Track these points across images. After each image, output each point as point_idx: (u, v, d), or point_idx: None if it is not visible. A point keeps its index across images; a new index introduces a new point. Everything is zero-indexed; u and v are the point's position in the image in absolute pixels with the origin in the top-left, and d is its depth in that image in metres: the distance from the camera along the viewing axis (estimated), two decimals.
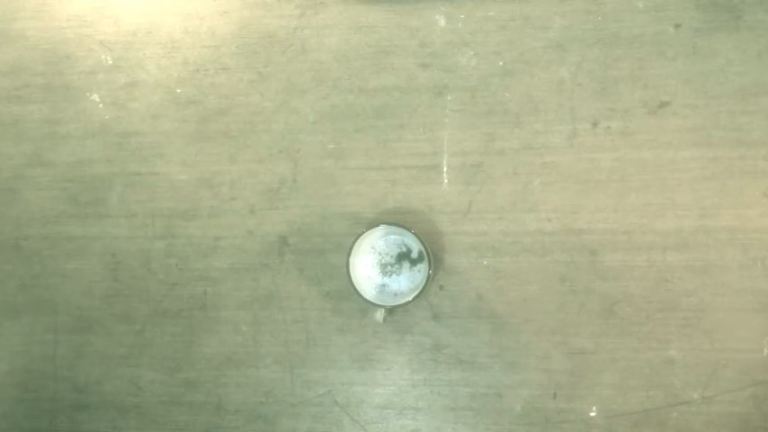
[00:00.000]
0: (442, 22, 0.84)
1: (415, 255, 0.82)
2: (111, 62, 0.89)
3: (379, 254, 0.82)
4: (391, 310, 0.81)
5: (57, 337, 0.89)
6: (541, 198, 0.81)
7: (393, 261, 0.82)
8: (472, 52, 0.83)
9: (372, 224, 0.78)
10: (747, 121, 0.79)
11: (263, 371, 0.85)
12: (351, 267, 0.78)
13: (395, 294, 0.81)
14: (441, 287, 0.83)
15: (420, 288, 0.77)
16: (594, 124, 0.81)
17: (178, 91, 0.88)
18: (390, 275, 0.82)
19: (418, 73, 0.84)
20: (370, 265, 0.82)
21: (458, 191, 0.83)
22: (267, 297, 0.85)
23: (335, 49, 0.85)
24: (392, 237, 0.82)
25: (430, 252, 0.77)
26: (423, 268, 0.81)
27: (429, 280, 0.77)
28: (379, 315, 0.79)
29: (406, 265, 0.82)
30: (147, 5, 0.89)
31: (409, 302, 0.77)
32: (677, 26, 0.81)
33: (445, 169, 0.83)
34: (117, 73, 0.89)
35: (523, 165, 0.82)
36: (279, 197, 0.85)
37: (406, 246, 0.82)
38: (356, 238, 0.78)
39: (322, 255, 0.84)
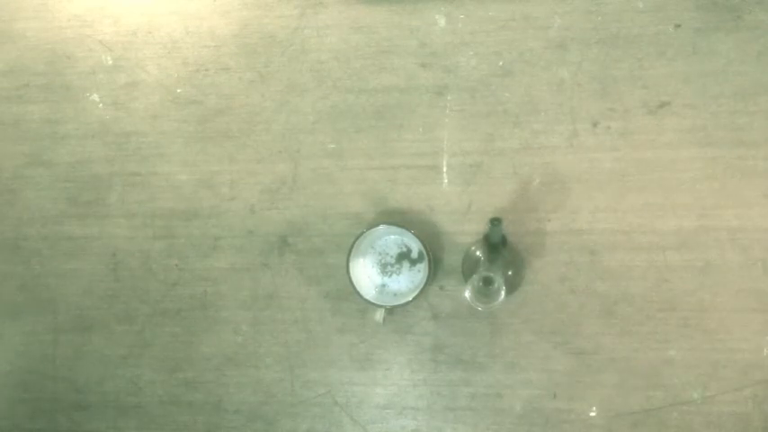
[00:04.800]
0: (442, 22, 0.84)
1: (415, 255, 0.82)
2: (111, 62, 0.89)
3: (379, 254, 0.82)
4: (391, 310, 0.81)
5: (57, 337, 0.89)
6: (541, 198, 0.81)
7: (393, 261, 0.82)
8: (472, 52, 0.83)
9: (372, 224, 0.78)
10: (747, 121, 0.79)
11: (263, 371, 0.85)
12: (351, 267, 0.78)
13: (395, 294, 0.81)
14: (441, 287, 0.83)
15: (420, 288, 0.77)
16: (594, 124, 0.81)
17: (178, 91, 0.88)
18: (390, 275, 0.82)
19: (418, 73, 0.84)
20: (370, 265, 0.82)
21: (458, 191, 0.83)
22: (267, 297, 0.85)
23: (335, 49, 0.85)
24: (392, 237, 0.82)
25: (430, 252, 0.77)
26: (423, 268, 0.81)
27: (429, 280, 0.77)
28: (379, 315, 0.79)
29: (406, 265, 0.82)
30: (147, 5, 0.89)
31: (409, 302, 0.77)
32: (677, 26, 0.81)
33: (445, 169, 0.83)
34: (117, 73, 0.89)
35: (523, 165, 0.82)
36: (279, 197, 0.85)
37: (406, 246, 0.82)
38: (356, 238, 0.78)
39: (322, 255, 0.84)
